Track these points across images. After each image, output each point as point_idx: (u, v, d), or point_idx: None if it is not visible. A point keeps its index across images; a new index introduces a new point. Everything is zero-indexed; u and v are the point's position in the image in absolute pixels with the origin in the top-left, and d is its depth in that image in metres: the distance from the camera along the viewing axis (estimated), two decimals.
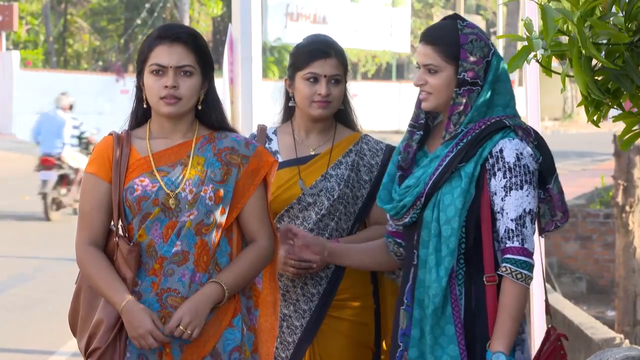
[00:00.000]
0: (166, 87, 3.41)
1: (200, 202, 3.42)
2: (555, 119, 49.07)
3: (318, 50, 3.97)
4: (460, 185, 3.35)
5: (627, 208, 10.62)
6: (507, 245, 3.32)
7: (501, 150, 3.35)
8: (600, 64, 3.02)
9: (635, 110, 3.19)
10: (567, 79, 3.05)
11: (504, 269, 3.31)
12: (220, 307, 3.45)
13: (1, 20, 31.77)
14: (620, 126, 3.27)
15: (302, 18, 40.13)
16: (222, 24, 39.72)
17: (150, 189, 3.42)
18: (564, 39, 3.07)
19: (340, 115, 4.09)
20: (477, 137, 3.37)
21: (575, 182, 20.52)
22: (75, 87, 32.44)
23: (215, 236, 3.45)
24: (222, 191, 3.45)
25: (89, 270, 3.43)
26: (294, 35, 37.36)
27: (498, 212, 3.34)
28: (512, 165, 3.33)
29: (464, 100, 3.41)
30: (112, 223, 3.48)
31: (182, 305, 3.38)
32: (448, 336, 3.36)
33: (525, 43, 3.06)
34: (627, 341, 7.28)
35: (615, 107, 3.20)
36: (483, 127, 3.38)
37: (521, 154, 3.35)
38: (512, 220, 3.32)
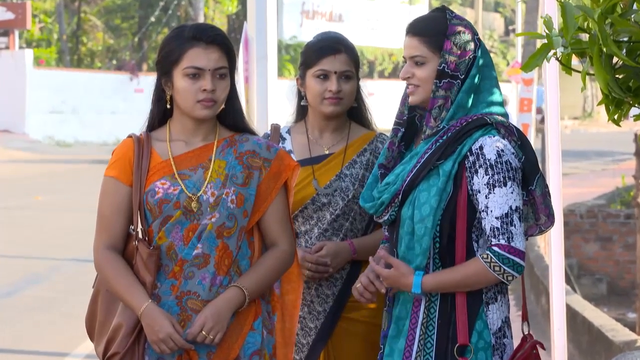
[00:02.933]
0: (204, 90, 3.41)
1: (222, 205, 3.43)
2: (575, 118, 48.96)
3: (327, 47, 3.99)
4: (437, 183, 3.32)
5: None
6: (493, 243, 3.27)
7: (481, 148, 3.30)
8: (622, 61, 3.02)
9: None
10: (587, 77, 3.04)
11: (484, 256, 3.27)
12: (241, 312, 3.45)
13: (14, 18, 31.88)
14: None
15: (318, 16, 40.16)
16: (237, 22, 39.76)
17: (172, 191, 3.43)
18: (584, 37, 3.07)
19: (354, 114, 4.09)
20: (457, 134, 3.33)
21: (596, 182, 20.46)
22: (89, 86, 32.59)
23: (237, 239, 3.46)
24: (244, 194, 3.46)
25: (108, 274, 3.44)
26: (310, 34, 37.33)
27: (483, 211, 3.30)
28: (493, 162, 3.29)
29: (444, 94, 3.36)
30: (132, 227, 3.48)
31: (204, 310, 3.39)
32: (404, 331, 3.37)
33: (545, 41, 3.05)
34: None
35: (636, 105, 3.19)
36: (464, 123, 3.34)
37: (502, 150, 3.30)
38: (497, 218, 3.27)
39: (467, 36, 3.38)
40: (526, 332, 3.41)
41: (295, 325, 3.67)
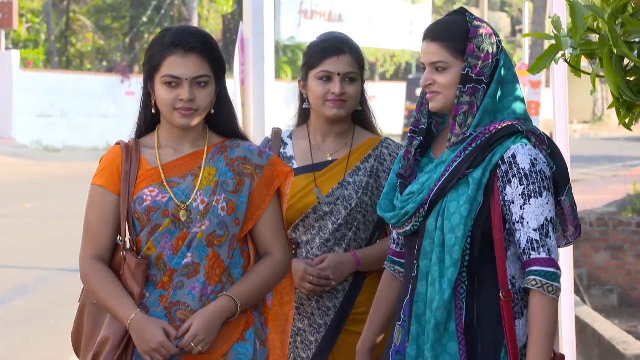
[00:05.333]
0: (181, 99, 3.42)
1: (212, 212, 3.44)
2: (584, 122, 48.99)
3: (331, 48, 3.98)
4: (467, 192, 3.30)
5: None
6: (533, 257, 3.25)
7: (514, 156, 3.29)
8: (633, 63, 3.02)
9: None
10: (597, 79, 3.05)
11: (533, 282, 3.24)
12: (232, 321, 3.46)
13: (0, 18, 31.90)
14: None
15: (317, 16, 40.20)
16: (232, 22, 39.81)
17: (160, 199, 3.44)
18: (594, 38, 3.07)
19: (358, 118, 4.08)
20: (487, 141, 3.31)
21: (606, 189, 20.46)
22: (78, 89, 32.60)
23: (229, 248, 3.47)
24: (235, 202, 3.47)
25: (94, 285, 3.44)
26: (308, 34, 37.39)
27: (517, 222, 3.28)
28: (527, 172, 3.27)
29: (469, 99, 3.35)
30: (119, 237, 3.49)
31: (195, 320, 3.39)
32: (451, 354, 3.29)
33: (553, 42, 3.06)
34: None
35: None
36: (494, 131, 3.32)
37: (535, 159, 3.29)
38: (534, 230, 3.25)
39: (490, 39, 3.37)
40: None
41: (288, 338, 3.68)
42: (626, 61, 3.03)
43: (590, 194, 19.24)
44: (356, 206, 3.95)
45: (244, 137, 3.59)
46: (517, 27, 53.80)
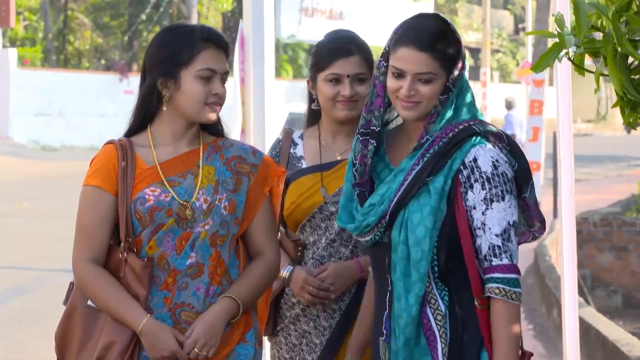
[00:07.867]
0: (216, 94, 3.47)
1: (215, 211, 3.45)
2: (588, 121, 49.01)
3: (339, 49, 3.94)
4: (430, 202, 3.22)
5: None
6: (495, 264, 3.20)
7: (475, 160, 3.23)
8: (637, 61, 3.02)
9: None
10: (601, 78, 3.05)
11: (496, 291, 3.19)
12: (233, 322, 3.48)
13: None
14: None
15: (318, 13, 40.22)
16: (232, 20, 39.82)
17: (163, 198, 3.44)
18: (598, 36, 3.07)
19: None
20: (446, 146, 3.25)
21: (610, 189, 20.48)
22: (76, 88, 32.61)
23: (229, 247, 3.49)
24: (235, 200, 3.50)
25: (96, 289, 3.43)
26: (309, 32, 37.41)
27: (479, 228, 3.22)
28: (490, 175, 3.22)
29: (439, 108, 3.29)
30: (120, 237, 3.46)
31: (197, 325, 3.40)
32: None
33: (556, 40, 3.06)
34: None
35: None
36: (450, 135, 3.26)
37: (497, 161, 3.24)
38: (497, 235, 3.21)
39: (463, 48, 3.35)
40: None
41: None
42: (630, 59, 3.03)
43: (594, 194, 19.25)
44: None
45: (226, 136, 3.62)
46: (520, 25, 53.79)
